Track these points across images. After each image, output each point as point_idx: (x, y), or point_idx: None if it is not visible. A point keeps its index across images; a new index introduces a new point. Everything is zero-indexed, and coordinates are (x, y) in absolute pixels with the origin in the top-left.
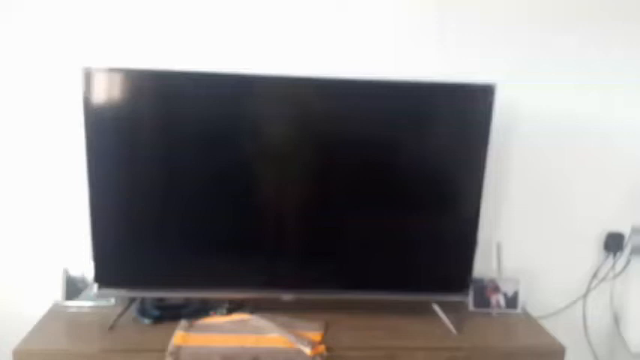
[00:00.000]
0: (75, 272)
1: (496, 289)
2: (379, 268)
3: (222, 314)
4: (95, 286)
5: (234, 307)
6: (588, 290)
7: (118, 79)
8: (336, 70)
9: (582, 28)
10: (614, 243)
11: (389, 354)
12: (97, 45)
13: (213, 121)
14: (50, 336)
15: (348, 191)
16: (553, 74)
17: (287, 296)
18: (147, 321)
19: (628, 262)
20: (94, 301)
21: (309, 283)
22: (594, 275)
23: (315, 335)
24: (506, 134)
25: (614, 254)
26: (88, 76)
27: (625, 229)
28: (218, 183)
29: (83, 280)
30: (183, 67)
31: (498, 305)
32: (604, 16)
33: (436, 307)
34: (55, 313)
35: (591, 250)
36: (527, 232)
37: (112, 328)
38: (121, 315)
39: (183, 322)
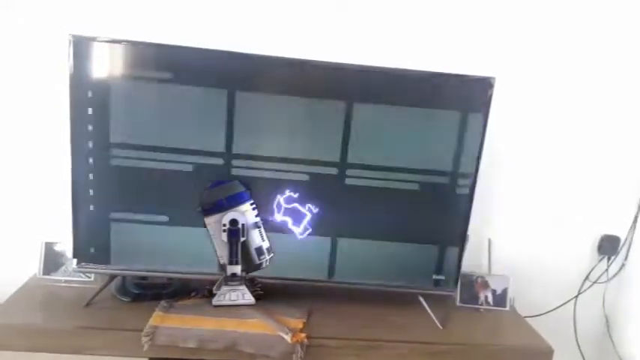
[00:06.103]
0: (59, 247)
1: (485, 285)
2: (368, 258)
3: (203, 296)
4: (74, 262)
5: None
6: (580, 292)
7: (107, 49)
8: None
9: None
10: (609, 246)
11: (371, 345)
12: (85, 13)
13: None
14: (23, 310)
15: (342, 180)
16: (554, 72)
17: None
18: (126, 299)
19: (622, 266)
20: (72, 276)
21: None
22: (587, 277)
23: (297, 322)
24: (504, 130)
25: (609, 257)
26: (76, 46)
27: (621, 233)
28: (207, 165)
29: (65, 255)
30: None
31: (486, 302)
32: None
33: (422, 300)
34: (30, 287)
35: (585, 252)
36: (521, 230)
37: (88, 304)
38: (99, 292)
39: (163, 303)
